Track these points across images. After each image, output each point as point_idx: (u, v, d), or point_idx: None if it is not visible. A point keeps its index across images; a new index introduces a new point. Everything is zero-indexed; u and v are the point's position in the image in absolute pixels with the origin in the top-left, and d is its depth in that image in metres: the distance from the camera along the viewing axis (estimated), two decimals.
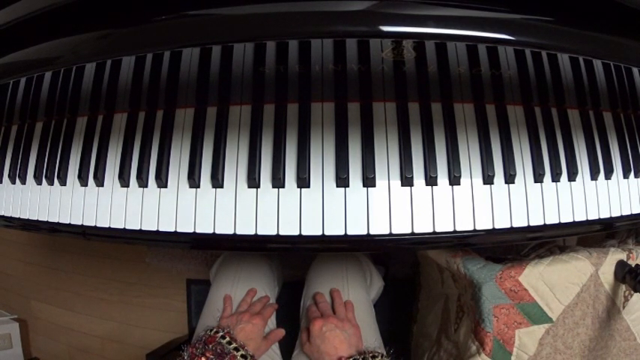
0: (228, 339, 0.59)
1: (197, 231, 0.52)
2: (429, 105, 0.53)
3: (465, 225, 0.51)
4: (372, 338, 0.66)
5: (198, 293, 0.93)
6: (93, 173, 0.57)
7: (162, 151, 0.55)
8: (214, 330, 0.61)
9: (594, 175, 0.55)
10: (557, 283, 0.56)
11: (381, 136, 0.52)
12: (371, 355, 0.58)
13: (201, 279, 0.97)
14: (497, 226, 0.51)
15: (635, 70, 0.58)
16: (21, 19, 0.45)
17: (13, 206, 0.62)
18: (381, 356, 0.58)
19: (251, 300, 0.71)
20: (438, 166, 0.51)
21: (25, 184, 0.62)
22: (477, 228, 0.51)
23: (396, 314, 0.91)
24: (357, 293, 0.71)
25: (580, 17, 0.41)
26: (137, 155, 0.56)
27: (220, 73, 0.55)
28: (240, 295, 0.71)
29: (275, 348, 0.70)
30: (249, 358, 0.59)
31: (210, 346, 0.57)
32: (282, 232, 0.51)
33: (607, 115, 0.58)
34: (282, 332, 0.70)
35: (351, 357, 0.58)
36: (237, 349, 0.58)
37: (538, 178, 0.53)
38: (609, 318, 0.61)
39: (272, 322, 0.72)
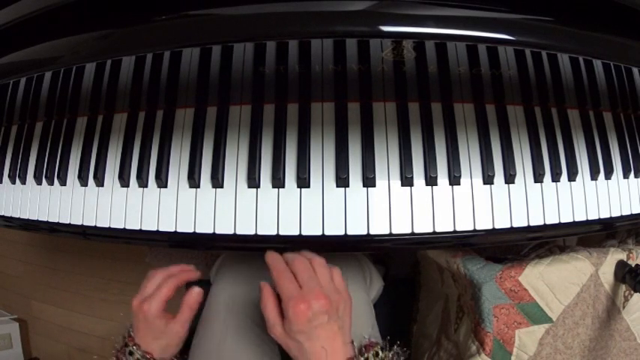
0: (130, 347, 0.51)
1: (197, 231, 0.52)
2: (429, 105, 0.53)
3: (465, 225, 0.51)
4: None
5: None
6: (93, 173, 0.57)
7: (162, 151, 0.55)
8: (124, 338, 0.53)
9: (594, 175, 0.55)
10: (557, 283, 0.56)
11: (381, 136, 0.52)
12: (373, 352, 0.48)
13: (201, 279, 0.97)
14: (497, 226, 0.51)
15: (635, 70, 0.58)
16: (21, 19, 0.45)
17: (13, 206, 0.62)
18: (381, 349, 0.48)
19: (155, 282, 0.53)
20: (438, 166, 0.51)
21: (25, 184, 0.62)
22: (477, 228, 0.51)
23: (396, 314, 0.91)
24: (357, 293, 0.71)
25: (580, 17, 0.41)
26: (137, 155, 0.56)
27: (220, 73, 0.55)
28: (241, 294, 0.71)
29: (272, 345, 0.69)
30: None
31: (120, 357, 0.52)
32: (282, 232, 0.51)
33: (607, 115, 0.58)
34: (196, 294, 0.53)
35: None
36: None
37: (538, 178, 0.53)
38: (609, 318, 0.61)
39: None
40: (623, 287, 0.60)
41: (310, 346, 0.45)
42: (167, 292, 0.51)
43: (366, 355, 0.47)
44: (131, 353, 0.51)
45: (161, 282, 0.52)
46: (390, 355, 0.49)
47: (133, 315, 0.52)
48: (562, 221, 0.53)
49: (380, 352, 0.48)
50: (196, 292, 0.52)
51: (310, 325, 0.44)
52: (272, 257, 0.49)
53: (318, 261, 0.48)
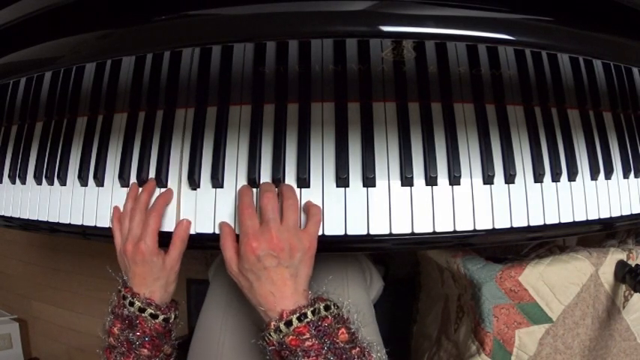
0: (130, 298, 0.48)
1: (197, 231, 0.52)
2: (429, 105, 0.53)
3: (465, 225, 0.51)
4: (372, 338, 0.66)
5: (198, 293, 0.93)
6: (93, 173, 0.57)
7: (162, 151, 0.55)
8: (120, 292, 0.50)
9: (594, 175, 0.55)
10: (557, 283, 0.56)
11: (381, 136, 0.52)
12: (324, 304, 0.44)
13: (201, 279, 0.97)
14: (497, 226, 0.51)
15: (635, 70, 0.58)
16: (21, 19, 0.45)
17: (13, 206, 0.62)
18: (334, 306, 0.45)
19: (138, 221, 0.51)
20: (438, 166, 0.51)
21: (25, 184, 0.62)
22: (477, 228, 0.51)
23: (396, 314, 0.91)
24: (357, 293, 0.71)
25: (580, 17, 0.41)
26: (137, 155, 0.56)
27: (220, 73, 0.55)
28: (239, 294, 0.70)
29: None
30: (159, 315, 0.48)
31: (118, 312, 0.49)
32: None
33: (607, 115, 0.58)
34: (185, 226, 0.51)
35: (297, 311, 0.43)
36: (142, 310, 0.47)
37: (538, 178, 0.53)
38: (609, 318, 0.61)
39: None
40: (623, 287, 0.60)
41: (259, 286, 0.45)
42: (156, 226, 0.50)
43: (316, 305, 0.44)
44: (132, 304, 0.48)
45: (144, 218, 0.50)
46: (341, 313, 0.46)
47: (129, 262, 0.50)
48: (562, 221, 0.53)
49: (332, 307, 0.45)
50: (185, 223, 0.51)
51: (259, 265, 0.44)
52: (242, 190, 0.49)
53: (291, 202, 0.48)
